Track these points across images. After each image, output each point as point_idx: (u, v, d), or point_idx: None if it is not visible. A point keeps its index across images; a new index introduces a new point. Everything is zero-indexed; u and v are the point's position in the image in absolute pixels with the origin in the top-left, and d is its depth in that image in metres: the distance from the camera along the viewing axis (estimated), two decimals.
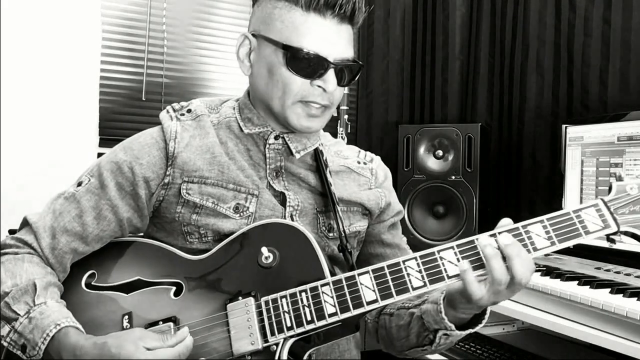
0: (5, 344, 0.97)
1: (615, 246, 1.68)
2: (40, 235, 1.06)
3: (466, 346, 1.71)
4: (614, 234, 0.97)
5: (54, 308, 0.98)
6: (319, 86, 1.07)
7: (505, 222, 0.98)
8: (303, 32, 1.05)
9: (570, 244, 0.96)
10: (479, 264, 0.95)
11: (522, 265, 0.92)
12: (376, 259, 1.24)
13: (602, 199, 0.97)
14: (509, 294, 0.96)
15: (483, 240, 0.94)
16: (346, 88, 2.41)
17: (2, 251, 1.07)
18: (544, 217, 0.97)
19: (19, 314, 0.97)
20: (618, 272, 1.57)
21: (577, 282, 1.45)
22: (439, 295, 1.03)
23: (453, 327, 1.01)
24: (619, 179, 0.98)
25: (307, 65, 1.05)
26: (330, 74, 1.06)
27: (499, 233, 0.96)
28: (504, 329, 1.92)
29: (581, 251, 1.81)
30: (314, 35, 1.05)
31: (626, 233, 0.96)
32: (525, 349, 1.68)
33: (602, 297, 1.31)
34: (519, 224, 0.97)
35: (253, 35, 1.12)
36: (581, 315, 1.36)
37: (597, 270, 1.61)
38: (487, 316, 1.03)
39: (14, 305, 0.98)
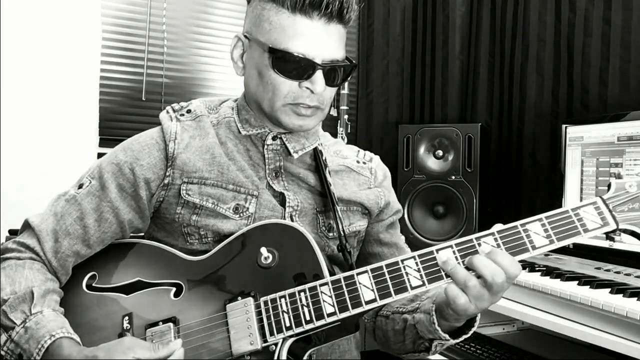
0: (2, 352, 0.97)
1: (615, 246, 1.69)
2: (43, 238, 1.06)
3: (466, 346, 1.71)
4: (613, 231, 0.96)
5: (49, 318, 0.97)
6: (307, 88, 1.06)
7: (498, 227, 0.98)
8: (290, 34, 1.04)
9: (569, 242, 0.96)
10: None
11: (491, 271, 0.92)
12: (374, 258, 1.24)
13: (600, 197, 0.97)
14: (492, 298, 0.95)
15: (442, 257, 0.95)
16: (346, 88, 2.45)
17: (4, 256, 1.06)
18: (542, 216, 0.97)
19: (15, 323, 0.97)
20: (618, 272, 1.57)
21: (577, 282, 1.45)
22: (431, 306, 1.03)
23: (447, 336, 1.01)
24: (618, 176, 0.98)
25: (294, 67, 1.05)
26: (318, 76, 1.05)
27: (498, 232, 0.96)
28: (504, 329, 1.92)
29: (581, 251, 1.81)
30: (300, 37, 1.04)
31: (625, 231, 0.96)
32: (525, 349, 1.68)
33: (602, 297, 1.31)
34: (518, 223, 0.97)
35: (245, 36, 1.12)
36: (581, 315, 1.36)
37: (597, 270, 1.61)
38: (478, 319, 1.03)
39: (11, 314, 0.97)
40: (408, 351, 1.13)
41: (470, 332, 1.03)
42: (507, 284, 0.94)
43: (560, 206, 1.91)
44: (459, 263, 0.95)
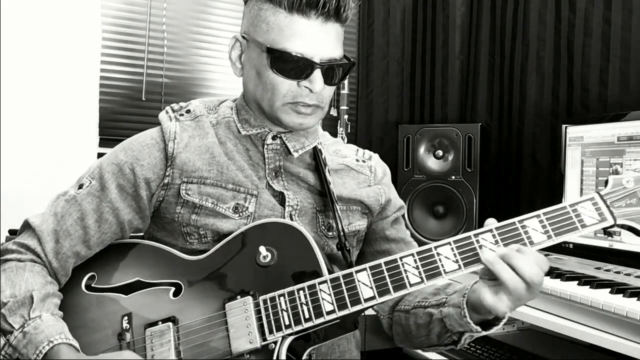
0: (0, 356, 0.97)
1: (615, 246, 1.69)
2: (44, 239, 1.06)
3: (466, 346, 1.70)
4: (611, 227, 0.97)
5: (48, 323, 0.97)
6: (306, 87, 1.07)
7: (491, 221, 0.98)
8: (287, 34, 1.04)
9: (567, 237, 0.96)
10: (475, 258, 0.96)
11: (527, 264, 0.92)
12: (382, 256, 1.23)
13: (598, 193, 0.98)
14: (529, 297, 0.95)
15: (488, 257, 0.94)
16: (346, 88, 2.45)
17: (5, 257, 1.06)
18: (540, 212, 0.98)
19: (14, 327, 0.96)
20: (618, 272, 1.57)
21: (577, 282, 1.45)
22: (461, 299, 1.02)
23: (479, 328, 1.01)
24: (616, 172, 0.99)
25: (293, 67, 1.05)
26: (317, 75, 1.06)
27: (496, 229, 0.97)
28: (504, 329, 1.90)
29: (581, 251, 1.81)
30: (298, 37, 1.04)
31: (623, 226, 0.97)
32: (525, 349, 1.68)
33: (602, 297, 1.31)
34: (516, 219, 0.98)
35: (243, 37, 1.12)
36: (581, 315, 1.35)
37: (597, 270, 1.61)
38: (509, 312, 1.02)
39: (9, 318, 0.97)
40: (433, 344, 1.13)
41: (501, 324, 1.02)
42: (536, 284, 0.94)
43: None
44: (457, 261, 0.95)
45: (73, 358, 0.94)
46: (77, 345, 0.97)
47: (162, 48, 2.52)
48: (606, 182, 0.99)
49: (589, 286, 1.41)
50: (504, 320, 1.02)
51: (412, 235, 2.33)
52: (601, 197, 0.97)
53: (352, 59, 1.11)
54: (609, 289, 1.36)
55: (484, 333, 1.02)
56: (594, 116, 2.01)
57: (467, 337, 1.04)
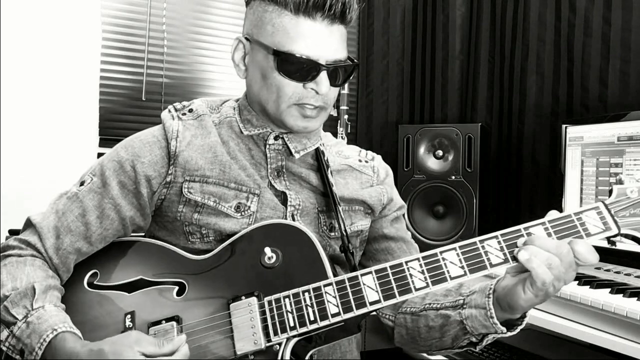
0: (4, 348, 0.97)
1: (615, 246, 1.69)
2: (45, 235, 1.06)
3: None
4: (615, 236, 0.97)
5: (51, 312, 0.97)
6: (312, 89, 1.07)
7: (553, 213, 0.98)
8: (293, 36, 1.05)
9: None
10: (481, 265, 0.96)
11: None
12: (382, 254, 1.25)
13: (603, 202, 0.98)
14: (554, 291, 0.95)
15: (523, 255, 0.93)
16: (346, 88, 2.45)
17: (6, 253, 1.07)
18: (545, 219, 0.98)
19: (17, 318, 0.97)
20: (618, 272, 1.58)
21: (577, 282, 1.45)
22: (485, 300, 1.01)
23: (505, 329, 1.00)
24: (620, 182, 1.00)
25: (299, 69, 1.06)
26: (323, 76, 1.06)
27: (501, 235, 0.97)
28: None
29: None
30: (304, 38, 1.04)
31: (627, 236, 0.98)
32: (525, 349, 1.68)
33: (602, 297, 1.31)
34: (521, 226, 0.97)
35: (246, 39, 1.13)
36: (581, 315, 1.36)
37: (597, 270, 1.61)
38: (529, 313, 1.02)
39: (12, 309, 0.98)
40: (445, 347, 1.11)
41: (524, 323, 1.02)
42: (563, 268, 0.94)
43: (560, 206, 1.92)
44: (462, 267, 0.95)
45: (79, 345, 0.94)
46: (80, 334, 0.97)
47: (162, 48, 2.52)
48: (610, 192, 1.00)
49: (589, 286, 1.42)
50: (526, 319, 1.02)
51: (413, 236, 2.33)
52: (606, 206, 0.98)
53: (355, 60, 1.12)
54: (609, 289, 1.36)
55: (509, 334, 1.01)
56: (594, 116, 2.01)
57: (489, 339, 1.03)
